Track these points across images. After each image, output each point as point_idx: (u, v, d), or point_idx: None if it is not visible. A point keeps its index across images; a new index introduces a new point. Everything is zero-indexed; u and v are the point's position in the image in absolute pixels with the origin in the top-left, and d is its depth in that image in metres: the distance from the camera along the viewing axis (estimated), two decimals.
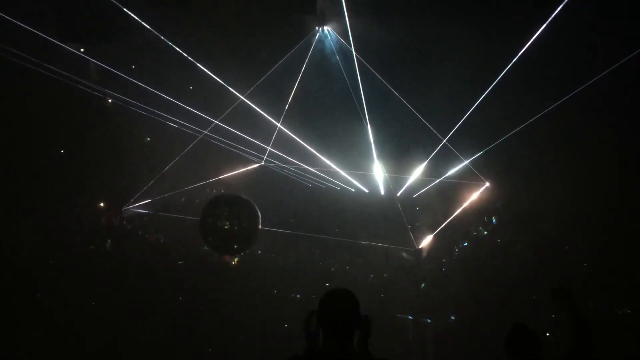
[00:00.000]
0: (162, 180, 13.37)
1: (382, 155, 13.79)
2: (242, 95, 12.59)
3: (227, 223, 10.25)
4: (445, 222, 13.44)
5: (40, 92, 11.49)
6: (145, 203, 13.77)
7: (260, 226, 10.61)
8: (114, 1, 10.11)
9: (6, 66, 10.41)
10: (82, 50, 11.90)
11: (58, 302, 10.36)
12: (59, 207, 12.41)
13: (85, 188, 12.90)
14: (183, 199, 14.05)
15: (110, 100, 13.03)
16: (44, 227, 11.87)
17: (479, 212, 13.46)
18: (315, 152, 13.75)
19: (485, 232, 13.41)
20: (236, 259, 12.84)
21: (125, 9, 10.42)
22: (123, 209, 13.55)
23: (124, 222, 13.43)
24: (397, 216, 13.66)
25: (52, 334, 9.83)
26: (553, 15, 10.09)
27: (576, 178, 11.61)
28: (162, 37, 11.23)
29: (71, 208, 12.71)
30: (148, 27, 10.96)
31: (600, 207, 11.24)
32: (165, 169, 13.23)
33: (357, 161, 14.07)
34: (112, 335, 9.93)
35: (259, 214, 10.59)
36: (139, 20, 10.72)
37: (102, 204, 13.44)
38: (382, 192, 14.47)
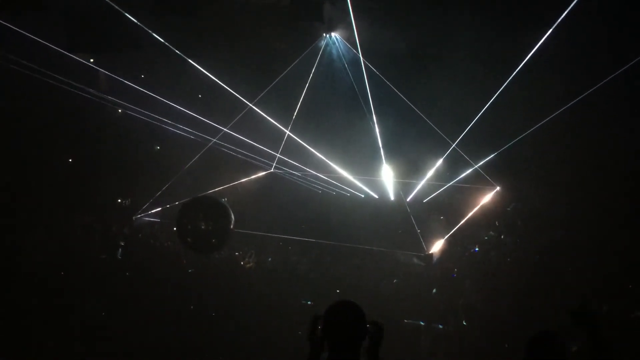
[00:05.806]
0: (172, 188, 13.41)
1: (391, 161, 13.74)
2: (250, 102, 12.62)
3: (202, 223, 10.99)
4: (456, 227, 13.35)
5: (50, 102, 11.59)
6: (156, 211, 13.82)
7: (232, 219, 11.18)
8: (122, 11, 10.18)
9: (16, 77, 10.52)
10: (91, 60, 12.00)
11: (70, 311, 10.42)
12: (69, 217, 12.48)
13: (96, 197, 12.98)
14: None
15: (119, 110, 13.11)
16: (55, 237, 11.91)
17: (489, 216, 13.36)
18: (324, 158, 13.74)
19: (498, 237, 13.28)
20: (250, 264, 12.89)
21: (133, 19, 10.48)
22: (133, 217, 13.60)
23: (135, 230, 13.47)
24: (407, 221, 13.60)
25: (64, 342, 9.88)
26: (563, 16, 9.99)
27: (588, 181, 11.51)
28: (170, 46, 11.29)
29: (82, 218, 12.77)
30: (156, 36, 11.03)
31: (613, 210, 11.12)
32: (175, 177, 13.28)
33: (366, 167, 14.03)
34: (123, 344, 9.96)
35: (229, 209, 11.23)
36: (147, 30, 10.79)
37: (112, 213, 13.48)
38: (392, 197, 14.41)
